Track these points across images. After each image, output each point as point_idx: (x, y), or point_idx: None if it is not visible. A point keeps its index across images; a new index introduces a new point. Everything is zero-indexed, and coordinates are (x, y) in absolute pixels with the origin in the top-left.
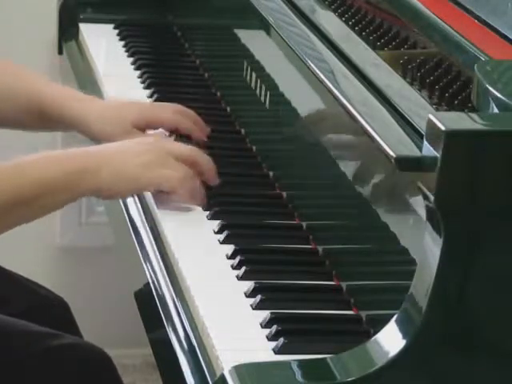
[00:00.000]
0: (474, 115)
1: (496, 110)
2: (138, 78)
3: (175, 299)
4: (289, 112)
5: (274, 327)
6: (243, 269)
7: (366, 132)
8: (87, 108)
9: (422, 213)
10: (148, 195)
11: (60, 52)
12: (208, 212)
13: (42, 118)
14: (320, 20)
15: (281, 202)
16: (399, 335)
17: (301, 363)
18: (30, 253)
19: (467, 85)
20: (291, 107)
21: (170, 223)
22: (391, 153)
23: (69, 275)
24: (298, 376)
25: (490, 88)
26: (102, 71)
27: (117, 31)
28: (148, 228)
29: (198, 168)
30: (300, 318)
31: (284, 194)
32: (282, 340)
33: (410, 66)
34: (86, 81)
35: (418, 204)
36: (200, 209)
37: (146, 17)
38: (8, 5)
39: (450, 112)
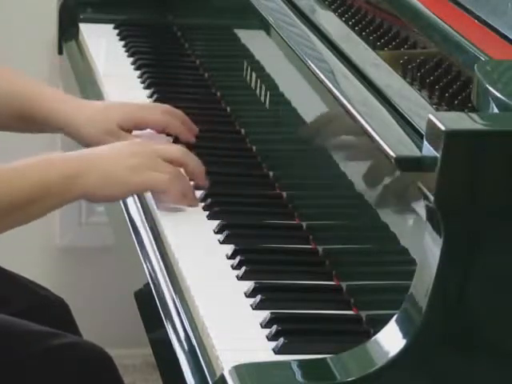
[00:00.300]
0: (474, 115)
1: (496, 110)
2: (138, 77)
3: (175, 299)
4: (289, 112)
5: (274, 327)
6: (243, 269)
7: (366, 132)
8: (75, 111)
9: (422, 213)
10: (148, 195)
11: (60, 52)
12: (208, 212)
13: (30, 121)
14: (320, 20)
15: (281, 202)
16: (399, 335)
17: (301, 363)
18: (29, 253)
19: (467, 85)
20: (291, 107)
21: (170, 223)
22: (391, 153)
23: (69, 275)
24: (298, 376)
25: (490, 88)
26: (102, 71)
27: (117, 31)
28: (148, 228)
29: (187, 169)
30: (300, 317)
31: (284, 194)
32: (281, 340)
33: (409, 66)
34: (86, 81)
35: (418, 204)
36: (200, 209)
37: (146, 17)
38: (8, 5)
39: (450, 112)
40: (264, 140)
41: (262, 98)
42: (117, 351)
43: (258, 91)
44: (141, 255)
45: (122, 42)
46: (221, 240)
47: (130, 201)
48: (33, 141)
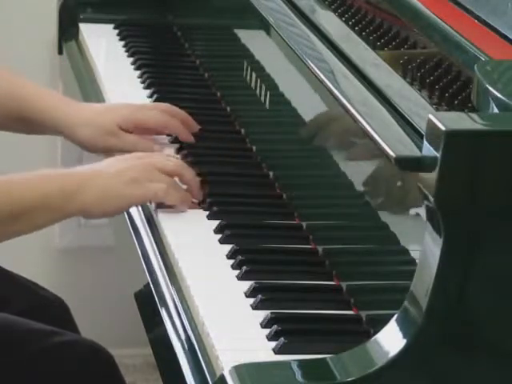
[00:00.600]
0: (474, 115)
1: (496, 110)
2: (138, 77)
3: (175, 299)
4: (289, 112)
5: (274, 327)
6: (243, 269)
7: (366, 132)
8: (72, 112)
9: (422, 213)
10: None
11: (60, 52)
12: (208, 212)
13: (27, 122)
14: (320, 20)
15: (281, 202)
16: (399, 335)
17: (301, 363)
18: (29, 253)
19: (467, 85)
20: (291, 107)
21: (170, 223)
22: (391, 153)
23: (68, 276)
24: (298, 376)
25: (490, 88)
26: (101, 71)
27: (117, 31)
28: (148, 228)
29: (182, 179)
30: (300, 317)
31: (284, 194)
32: (282, 340)
33: (410, 66)
34: (86, 81)
35: (418, 204)
36: (200, 209)
37: (146, 17)
38: (8, 5)
39: (450, 112)
40: (264, 140)
41: (262, 98)
42: (117, 351)
43: (258, 91)
44: (141, 255)
45: (122, 42)
46: (221, 240)
47: None
48: (33, 141)
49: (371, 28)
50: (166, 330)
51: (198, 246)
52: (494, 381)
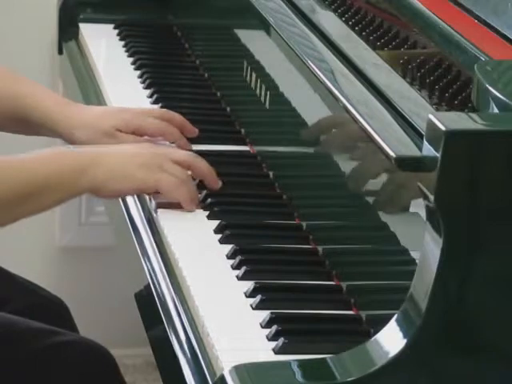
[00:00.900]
0: (474, 115)
1: (496, 110)
2: (138, 78)
3: (175, 299)
4: (289, 112)
5: (274, 327)
6: (243, 269)
7: (366, 132)
8: (70, 114)
9: (422, 213)
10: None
11: (60, 52)
12: (208, 212)
13: (25, 123)
14: (320, 20)
15: (281, 202)
16: (399, 335)
17: (301, 363)
18: (29, 253)
19: (467, 85)
20: (291, 107)
21: (170, 223)
22: (391, 153)
23: (68, 275)
24: (298, 376)
25: (490, 88)
26: (102, 71)
27: (117, 31)
28: (148, 228)
29: (195, 172)
30: (300, 317)
31: (284, 194)
32: (282, 340)
33: (410, 66)
34: (86, 81)
35: (418, 204)
36: (200, 209)
37: (146, 17)
38: (8, 5)
39: (450, 112)
40: (264, 140)
41: (262, 98)
42: (117, 351)
43: (258, 91)
44: (141, 255)
45: (122, 42)
46: (221, 240)
47: (130, 201)
48: (33, 142)
49: (371, 28)
50: (165, 330)
51: (198, 246)
52: (494, 381)
